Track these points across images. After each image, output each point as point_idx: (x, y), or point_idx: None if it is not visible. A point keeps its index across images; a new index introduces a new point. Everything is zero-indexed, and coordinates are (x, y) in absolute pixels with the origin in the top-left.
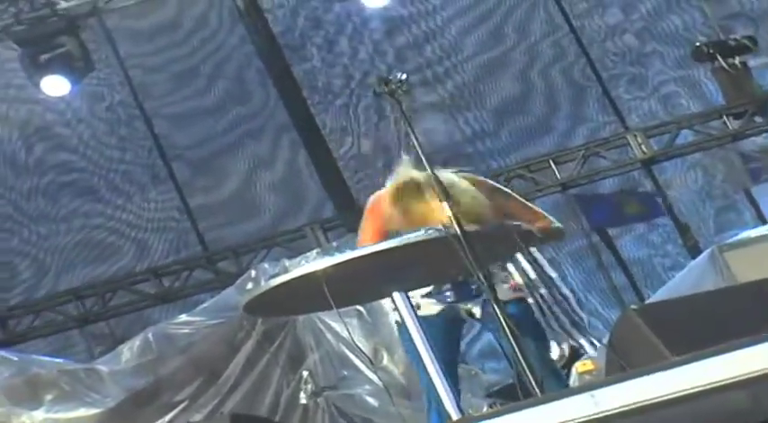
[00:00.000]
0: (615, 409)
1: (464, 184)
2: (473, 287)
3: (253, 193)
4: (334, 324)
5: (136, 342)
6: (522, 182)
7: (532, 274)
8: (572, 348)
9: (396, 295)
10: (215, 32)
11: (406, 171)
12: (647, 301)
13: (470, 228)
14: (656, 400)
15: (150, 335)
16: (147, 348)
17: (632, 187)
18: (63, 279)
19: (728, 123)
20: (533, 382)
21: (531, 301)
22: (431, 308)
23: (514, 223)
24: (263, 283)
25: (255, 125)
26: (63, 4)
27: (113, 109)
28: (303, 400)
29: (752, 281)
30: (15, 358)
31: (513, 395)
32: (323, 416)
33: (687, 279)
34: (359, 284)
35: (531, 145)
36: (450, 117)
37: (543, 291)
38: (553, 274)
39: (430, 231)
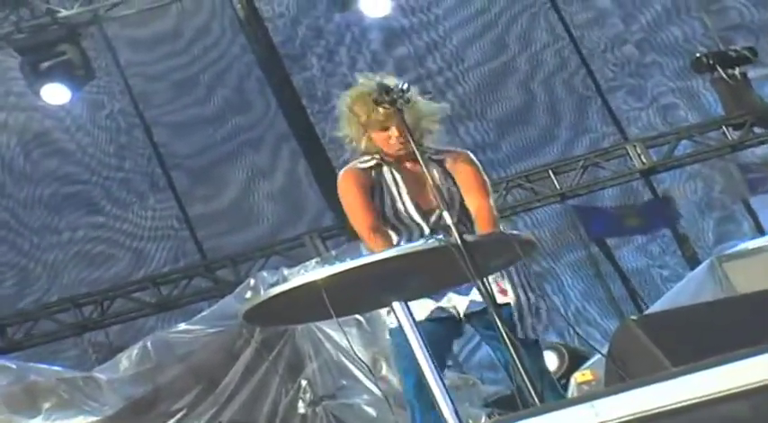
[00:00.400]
0: (615, 419)
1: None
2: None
3: (251, 202)
4: (332, 333)
5: (134, 350)
6: (521, 192)
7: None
8: (570, 357)
9: (395, 305)
10: (215, 42)
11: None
12: (646, 312)
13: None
14: (656, 411)
15: (149, 343)
16: (146, 357)
17: (634, 201)
18: (62, 287)
19: (728, 134)
20: (533, 392)
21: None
22: (420, 311)
23: (514, 233)
24: (262, 291)
25: (255, 134)
26: (64, 13)
27: (113, 117)
28: (301, 410)
29: (751, 292)
30: (14, 366)
31: (512, 405)
32: None
33: (686, 290)
34: (359, 294)
35: (532, 155)
36: (451, 127)
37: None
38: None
39: (430, 241)
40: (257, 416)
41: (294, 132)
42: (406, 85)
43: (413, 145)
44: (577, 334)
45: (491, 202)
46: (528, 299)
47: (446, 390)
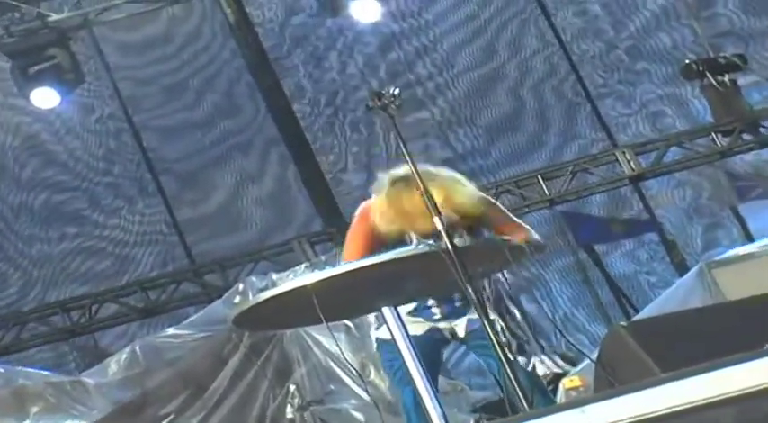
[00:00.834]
0: None
1: (447, 173)
2: (457, 304)
3: (240, 207)
4: (321, 338)
5: (123, 355)
6: (510, 197)
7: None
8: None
9: (385, 310)
10: (205, 46)
11: (390, 172)
12: (635, 318)
13: (451, 217)
14: (646, 417)
15: (137, 348)
16: (135, 361)
17: (620, 214)
18: (50, 291)
19: (717, 141)
20: (523, 399)
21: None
22: (416, 327)
23: (504, 237)
24: (250, 296)
25: (244, 139)
26: (54, 17)
27: (102, 122)
28: (290, 414)
29: (740, 298)
30: (1, 370)
31: (500, 411)
32: None
33: (675, 296)
34: (348, 299)
35: (521, 161)
36: (440, 132)
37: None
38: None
39: (420, 246)
40: (246, 420)
41: (283, 137)
42: (397, 91)
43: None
44: (567, 339)
45: (530, 230)
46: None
47: (436, 396)
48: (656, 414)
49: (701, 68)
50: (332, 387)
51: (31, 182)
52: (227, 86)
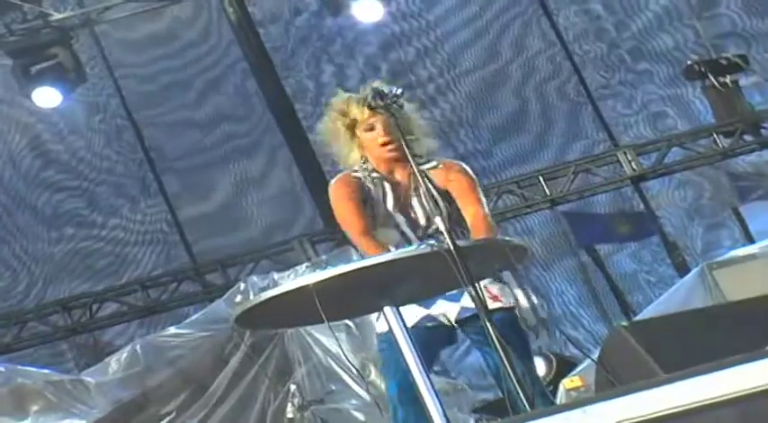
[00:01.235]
0: None
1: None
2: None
3: (241, 207)
4: (322, 338)
5: (123, 354)
6: (511, 198)
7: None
8: (559, 364)
9: (387, 310)
10: (207, 46)
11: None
12: (636, 318)
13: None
14: (648, 417)
15: (138, 347)
16: (135, 360)
17: (624, 209)
18: (50, 290)
19: (718, 142)
20: (524, 398)
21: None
22: (408, 318)
23: (506, 238)
24: (252, 295)
25: (246, 138)
26: (56, 16)
27: (105, 121)
28: (290, 414)
29: (742, 299)
30: (1, 369)
31: (500, 411)
32: None
33: (676, 296)
34: (350, 298)
35: (523, 161)
36: (442, 133)
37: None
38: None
39: (422, 246)
40: (246, 420)
41: (285, 137)
42: (399, 91)
43: (405, 149)
44: (569, 340)
45: (486, 210)
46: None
47: (436, 395)
48: (658, 414)
49: (702, 69)
50: (333, 387)
51: (33, 181)
52: (230, 86)
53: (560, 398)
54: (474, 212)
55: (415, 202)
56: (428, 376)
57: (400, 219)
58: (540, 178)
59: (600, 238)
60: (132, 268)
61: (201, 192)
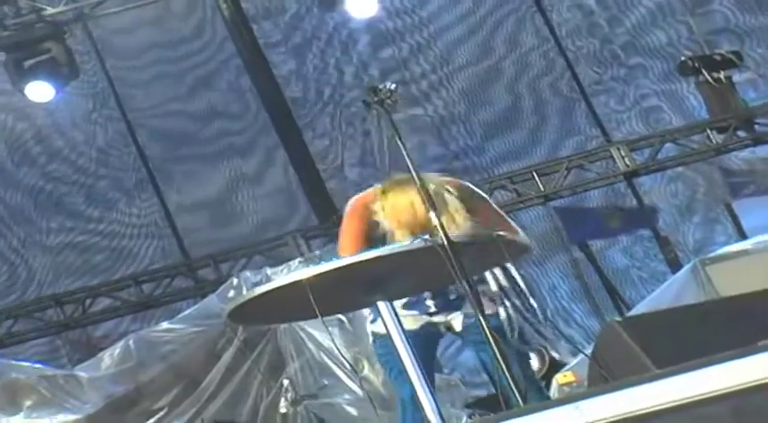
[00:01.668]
0: (600, 420)
1: (447, 195)
2: (452, 297)
3: (234, 202)
4: (315, 333)
5: (116, 349)
6: (504, 193)
7: (504, 282)
8: (551, 360)
9: (380, 304)
10: (201, 41)
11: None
12: (629, 314)
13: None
14: (641, 412)
15: (131, 342)
16: (128, 355)
17: (617, 203)
18: (44, 285)
19: (712, 137)
20: (517, 394)
21: (502, 312)
22: (411, 322)
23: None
24: (245, 291)
25: (239, 134)
26: (49, 10)
27: (97, 115)
28: (283, 409)
29: (734, 295)
30: None
31: (493, 406)
32: None
33: (669, 292)
34: (344, 293)
35: (516, 157)
36: (435, 129)
37: (516, 301)
38: (522, 284)
39: (416, 241)
40: (238, 415)
41: (278, 133)
42: (393, 86)
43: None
44: (562, 335)
45: (516, 227)
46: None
47: (431, 390)
48: (651, 410)
49: (696, 65)
50: (325, 382)
51: (25, 176)
52: (223, 81)
53: (553, 393)
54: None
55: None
56: (424, 372)
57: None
58: (534, 174)
59: (592, 233)
60: (125, 263)
61: (195, 187)
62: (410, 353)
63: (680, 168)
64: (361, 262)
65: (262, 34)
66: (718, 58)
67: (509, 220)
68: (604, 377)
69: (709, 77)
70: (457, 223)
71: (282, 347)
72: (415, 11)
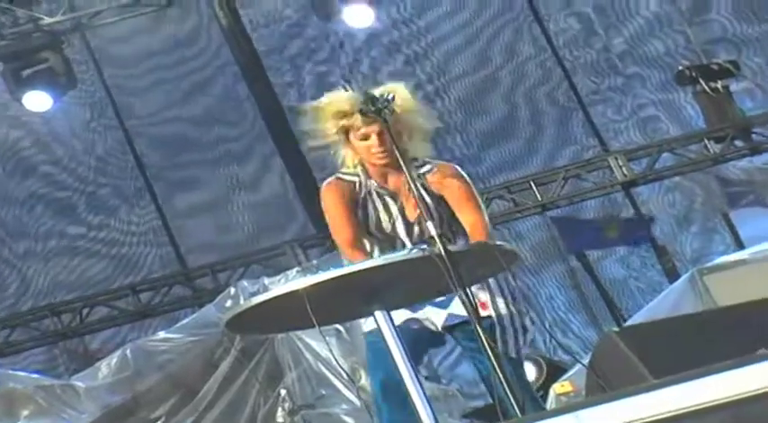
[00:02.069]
0: None
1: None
2: (440, 298)
3: (232, 211)
4: (312, 343)
5: (113, 358)
6: (501, 203)
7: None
8: (550, 368)
9: (378, 314)
10: (199, 50)
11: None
12: (627, 324)
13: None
14: (639, 422)
15: (128, 351)
16: (125, 365)
17: (615, 213)
18: (41, 294)
19: (709, 147)
20: (514, 403)
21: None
22: (396, 317)
23: (497, 243)
24: (242, 300)
25: (236, 143)
26: (47, 20)
27: (95, 125)
28: (280, 419)
29: (732, 304)
30: None
31: (491, 416)
32: None
33: (666, 302)
34: (341, 303)
35: (513, 167)
36: (432, 138)
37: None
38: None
39: (413, 251)
40: None
41: (276, 142)
42: (391, 95)
43: (399, 157)
44: (560, 345)
45: (486, 218)
46: (511, 314)
47: (425, 395)
48: (649, 419)
49: (693, 74)
50: (323, 391)
51: (22, 185)
52: (221, 91)
53: (551, 402)
54: (473, 222)
55: (409, 203)
56: (417, 376)
57: (398, 222)
58: (531, 183)
59: (589, 243)
60: (123, 273)
61: (192, 196)
62: (406, 360)
63: (677, 178)
64: (358, 271)
65: (259, 43)
66: (715, 67)
67: (482, 212)
68: (602, 387)
69: (706, 87)
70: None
71: (280, 357)
72: (413, 20)
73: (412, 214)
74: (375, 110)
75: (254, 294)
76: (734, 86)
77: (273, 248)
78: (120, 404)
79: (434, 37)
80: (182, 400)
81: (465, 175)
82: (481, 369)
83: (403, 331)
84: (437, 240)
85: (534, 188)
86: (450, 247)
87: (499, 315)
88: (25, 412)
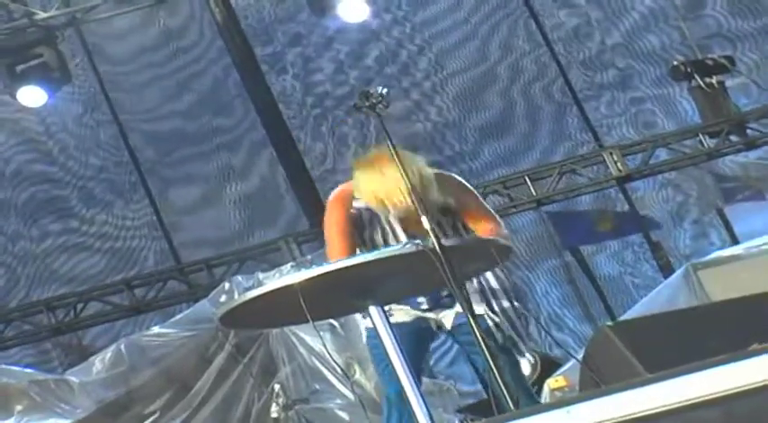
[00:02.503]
0: None
1: (416, 160)
2: (444, 295)
3: (226, 206)
4: (306, 337)
5: (108, 353)
6: (497, 198)
7: (495, 285)
8: (544, 363)
9: (372, 309)
10: (193, 45)
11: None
12: (621, 319)
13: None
14: (631, 417)
15: (122, 346)
16: (119, 360)
17: (607, 206)
18: (35, 289)
19: (704, 142)
20: (508, 398)
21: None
22: (403, 315)
23: (491, 238)
24: (236, 295)
25: (231, 138)
26: (41, 15)
27: (89, 120)
28: (274, 414)
29: (726, 299)
30: None
31: (485, 411)
32: None
33: (660, 297)
34: (335, 297)
35: (509, 162)
36: (426, 135)
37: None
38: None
39: (407, 245)
40: (230, 419)
41: (270, 137)
42: (385, 91)
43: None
44: (554, 340)
45: (501, 223)
46: (513, 307)
47: (420, 392)
48: (642, 414)
49: (688, 70)
50: (317, 386)
51: (16, 179)
52: (215, 86)
53: (545, 398)
54: (491, 229)
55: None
56: (412, 371)
57: (400, 235)
58: (526, 178)
59: (584, 238)
60: (117, 267)
61: (187, 190)
62: (401, 356)
63: (672, 173)
64: (352, 266)
65: (253, 38)
66: (710, 62)
67: (493, 214)
68: (596, 382)
69: (701, 82)
70: (423, 179)
71: (274, 352)
72: (408, 16)
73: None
74: (369, 105)
75: (248, 289)
76: (729, 82)
77: (268, 243)
78: (114, 399)
79: (430, 32)
80: (176, 394)
81: (467, 184)
82: (476, 362)
83: (411, 329)
84: (431, 234)
85: (529, 183)
86: (444, 242)
87: (503, 310)
88: (19, 407)
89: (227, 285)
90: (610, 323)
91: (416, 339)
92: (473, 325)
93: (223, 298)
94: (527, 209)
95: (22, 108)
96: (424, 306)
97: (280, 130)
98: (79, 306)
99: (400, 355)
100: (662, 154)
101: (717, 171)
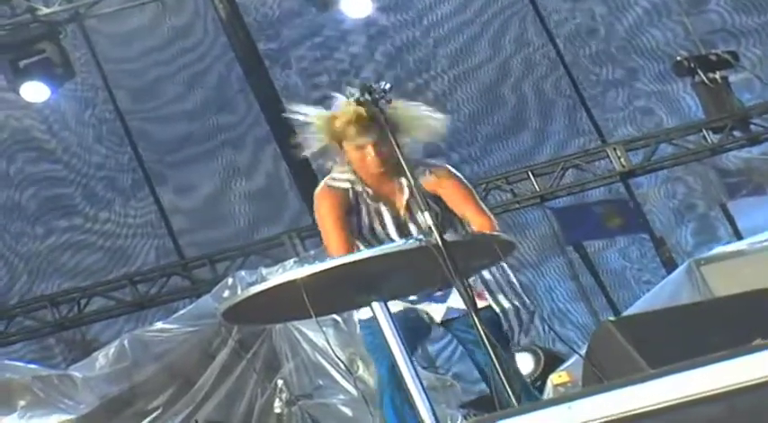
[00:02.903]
0: (592, 420)
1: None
2: (437, 292)
3: (230, 202)
4: (310, 333)
5: (111, 349)
6: (500, 193)
7: (499, 278)
8: (548, 358)
9: (375, 305)
10: (196, 41)
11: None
12: (624, 314)
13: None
14: (633, 413)
15: (126, 342)
16: (123, 355)
17: (612, 203)
18: (38, 284)
19: (708, 138)
20: (510, 394)
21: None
22: (392, 305)
23: (494, 234)
24: (239, 291)
25: (235, 134)
26: (44, 10)
27: (92, 116)
28: (277, 409)
29: (729, 295)
30: None
31: (488, 407)
32: None
33: (663, 292)
34: (338, 293)
35: (512, 158)
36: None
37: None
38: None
39: (410, 241)
40: (233, 415)
41: (274, 132)
42: (388, 85)
43: (401, 160)
44: (557, 335)
45: (493, 218)
46: (516, 308)
47: (422, 385)
48: (644, 410)
49: (692, 65)
50: (320, 382)
51: (19, 175)
52: (219, 81)
53: (548, 393)
54: (482, 223)
55: (411, 224)
56: (413, 365)
57: (390, 229)
58: (530, 174)
59: (589, 234)
60: (120, 263)
61: (190, 187)
62: (403, 352)
63: (676, 169)
64: (355, 262)
65: (257, 34)
66: (713, 58)
67: (486, 211)
68: (598, 377)
69: (704, 78)
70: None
71: (277, 348)
72: (411, 13)
73: (405, 217)
74: (372, 100)
75: (251, 285)
76: (732, 77)
77: (271, 239)
78: (117, 394)
79: (433, 27)
80: (179, 390)
81: (460, 175)
82: (479, 361)
83: (399, 319)
84: (434, 230)
85: (533, 179)
86: (447, 237)
87: (503, 309)
88: (22, 402)
89: (230, 281)
90: (612, 318)
91: (404, 327)
92: (476, 322)
93: (226, 293)
94: (530, 205)
95: (25, 105)
96: (414, 299)
97: (283, 126)
98: (83, 302)
99: (403, 351)
100: (665, 149)
101: (720, 166)
